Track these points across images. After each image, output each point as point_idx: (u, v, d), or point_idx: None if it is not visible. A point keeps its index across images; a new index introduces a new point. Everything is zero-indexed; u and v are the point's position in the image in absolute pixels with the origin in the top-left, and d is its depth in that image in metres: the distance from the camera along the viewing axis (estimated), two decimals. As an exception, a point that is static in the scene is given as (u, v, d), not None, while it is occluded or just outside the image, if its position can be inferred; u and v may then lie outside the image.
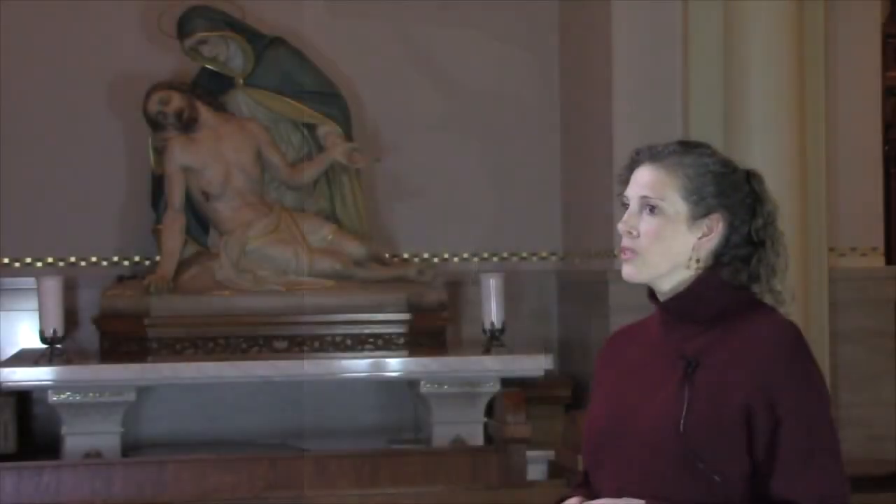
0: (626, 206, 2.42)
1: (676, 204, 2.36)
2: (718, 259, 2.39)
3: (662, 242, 2.37)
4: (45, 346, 6.00)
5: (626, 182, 2.43)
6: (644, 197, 2.37)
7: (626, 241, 2.38)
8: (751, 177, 2.43)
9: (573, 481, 2.60)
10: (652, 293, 2.43)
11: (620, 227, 2.40)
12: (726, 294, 2.38)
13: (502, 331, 6.28)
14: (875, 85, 6.90)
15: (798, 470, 2.27)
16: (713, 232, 2.38)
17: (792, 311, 2.41)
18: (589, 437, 2.43)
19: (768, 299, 2.40)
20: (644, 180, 2.38)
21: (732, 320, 2.35)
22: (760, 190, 2.43)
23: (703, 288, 2.37)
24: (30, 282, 6.51)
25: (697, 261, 2.38)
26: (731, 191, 2.38)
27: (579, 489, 2.47)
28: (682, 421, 2.27)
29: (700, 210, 2.37)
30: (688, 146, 2.42)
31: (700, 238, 2.38)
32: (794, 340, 2.32)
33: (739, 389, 2.28)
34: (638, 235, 2.37)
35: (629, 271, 2.39)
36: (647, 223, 2.37)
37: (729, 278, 2.38)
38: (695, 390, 2.29)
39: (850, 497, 2.33)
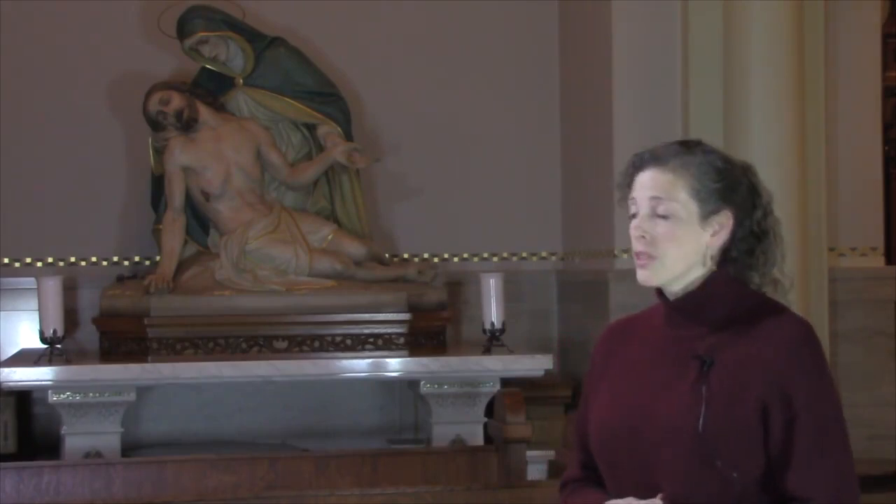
0: (632, 210, 2.42)
1: (688, 204, 2.38)
2: (726, 255, 2.41)
3: (678, 244, 2.38)
4: (45, 346, 5.98)
5: (627, 187, 2.44)
6: (655, 198, 2.38)
7: (640, 246, 2.39)
8: (747, 170, 2.46)
9: (567, 475, 2.57)
10: (660, 290, 2.44)
11: (633, 231, 2.40)
12: (736, 292, 2.40)
13: (502, 331, 6.28)
14: (875, 85, 6.90)
15: (813, 466, 2.29)
16: (723, 228, 2.40)
17: (793, 298, 2.44)
18: (600, 435, 2.43)
19: (770, 289, 2.42)
20: (652, 183, 2.39)
21: (744, 320, 2.37)
22: (756, 182, 2.45)
23: (715, 286, 2.39)
24: (30, 282, 6.51)
25: (711, 258, 2.40)
26: (734, 186, 2.41)
27: (589, 486, 2.46)
28: (700, 420, 2.29)
29: (709, 208, 2.38)
30: (688, 145, 2.44)
31: (712, 236, 2.39)
32: (807, 338, 2.35)
33: (754, 387, 2.30)
34: (651, 239, 2.37)
35: (645, 276, 2.40)
36: (661, 226, 2.38)
37: (737, 273, 2.41)
38: (711, 389, 2.31)
39: (860, 494, 2.35)
